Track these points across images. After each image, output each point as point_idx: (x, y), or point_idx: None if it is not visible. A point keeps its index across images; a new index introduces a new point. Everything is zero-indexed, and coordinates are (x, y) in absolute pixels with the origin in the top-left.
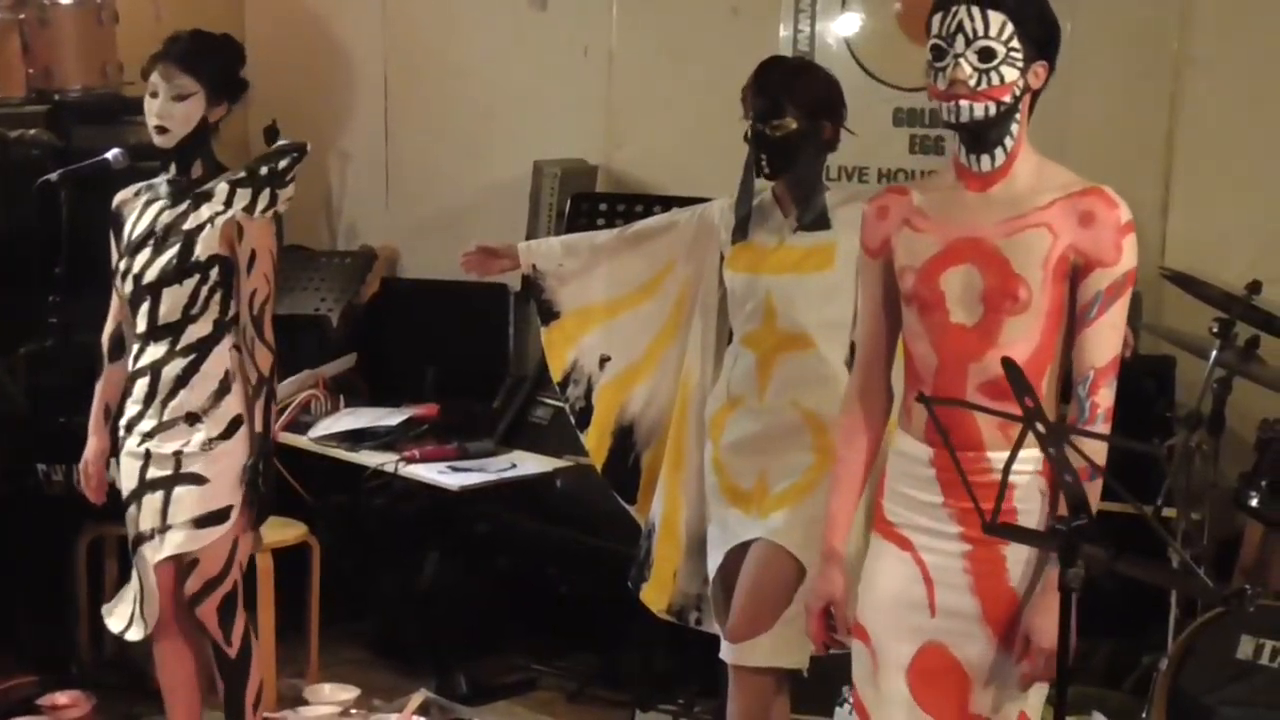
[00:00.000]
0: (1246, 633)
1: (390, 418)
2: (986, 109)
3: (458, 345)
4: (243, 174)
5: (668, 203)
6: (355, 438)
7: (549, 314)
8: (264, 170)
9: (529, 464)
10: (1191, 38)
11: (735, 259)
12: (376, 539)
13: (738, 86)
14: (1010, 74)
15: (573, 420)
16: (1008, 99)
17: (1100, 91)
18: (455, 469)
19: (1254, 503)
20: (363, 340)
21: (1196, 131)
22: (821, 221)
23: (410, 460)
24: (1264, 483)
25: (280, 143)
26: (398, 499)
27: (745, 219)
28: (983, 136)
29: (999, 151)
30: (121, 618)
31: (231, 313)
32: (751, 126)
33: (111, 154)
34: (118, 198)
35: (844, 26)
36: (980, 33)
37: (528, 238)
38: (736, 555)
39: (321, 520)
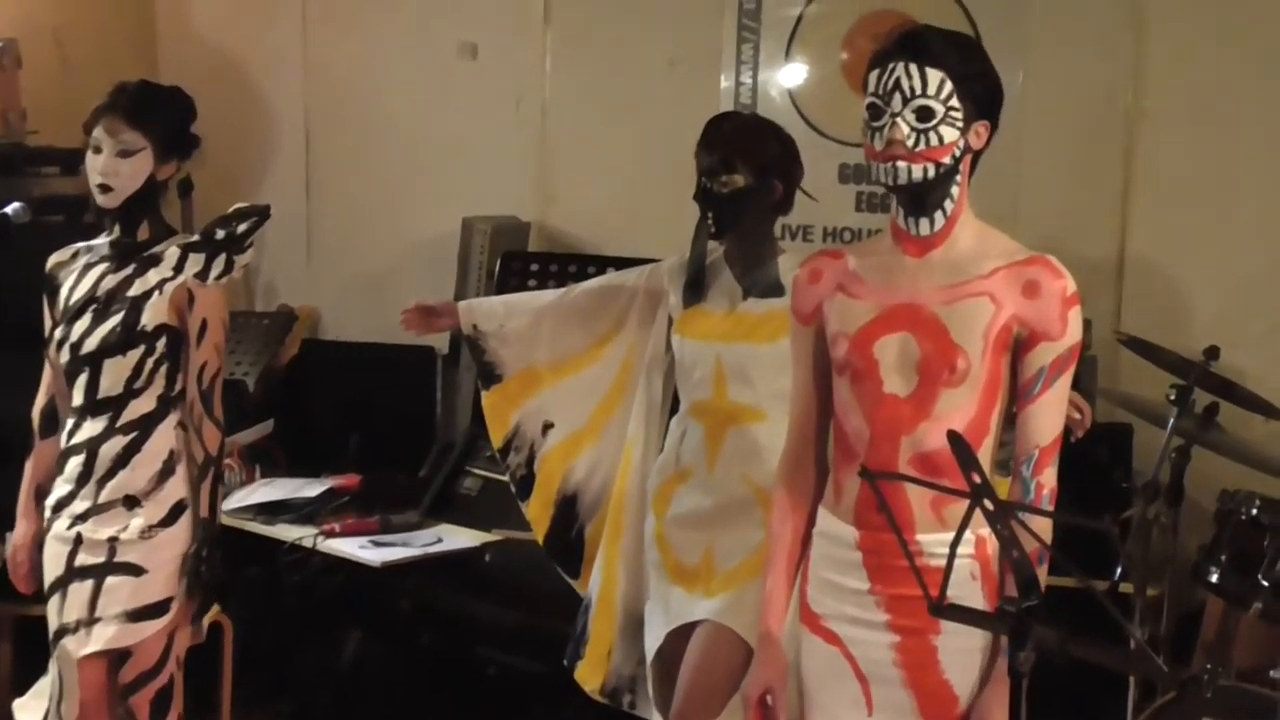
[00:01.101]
0: (1208, 715)
1: (309, 489)
2: (925, 171)
3: (382, 411)
4: (196, 238)
5: (603, 263)
6: (272, 510)
7: (490, 376)
8: (220, 234)
9: (456, 538)
10: (1145, 91)
11: (685, 324)
12: (294, 616)
13: (677, 140)
14: (950, 134)
15: (513, 489)
16: (947, 160)
17: (1051, 149)
18: (377, 543)
19: (1214, 578)
20: (281, 406)
21: (1152, 189)
22: (775, 288)
23: (330, 534)
24: (1224, 556)
25: (238, 205)
26: (317, 575)
27: (696, 281)
28: (921, 199)
29: (938, 215)
30: (34, 713)
31: (178, 387)
32: (699, 183)
33: (12, 208)
34: (52, 259)
35: (787, 78)
36: (918, 91)
37: (456, 298)
38: (678, 637)
39: (236, 597)
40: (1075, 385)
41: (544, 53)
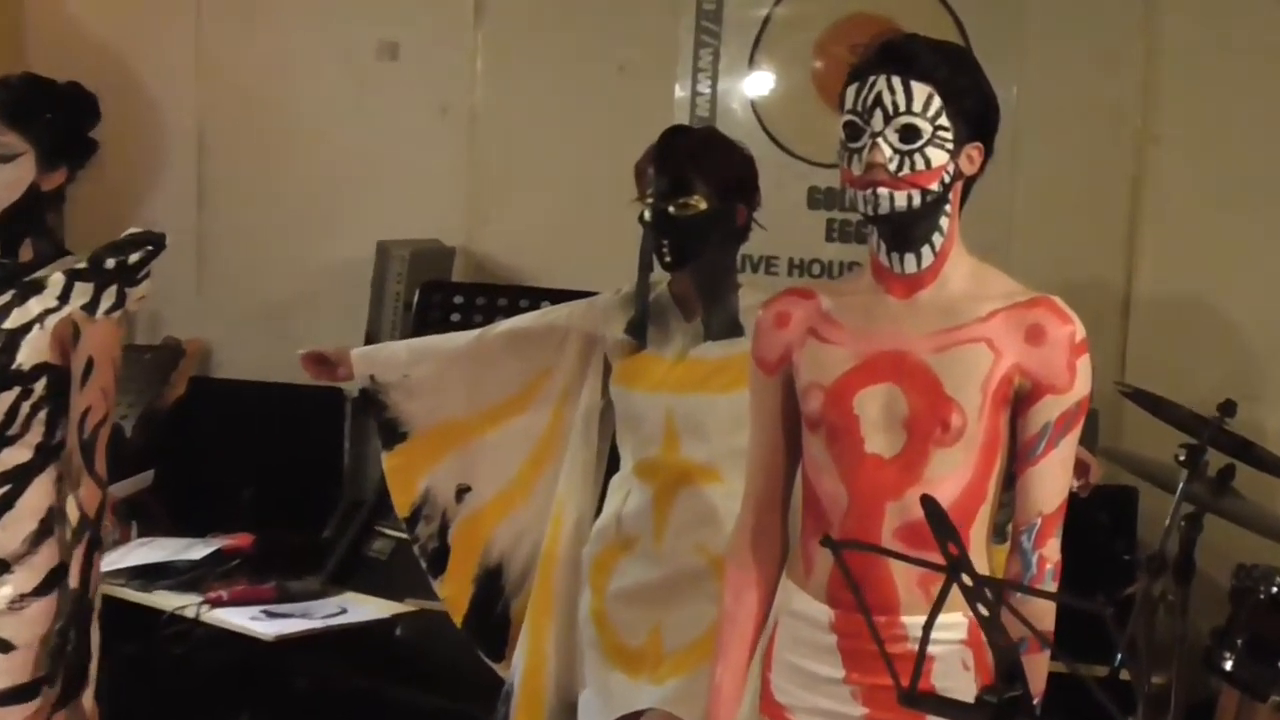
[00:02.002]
0: None
1: (193, 550)
2: (910, 199)
3: (281, 461)
4: (84, 264)
5: (539, 296)
6: (150, 574)
7: (393, 434)
8: (111, 262)
9: (363, 608)
10: (1156, 112)
11: (628, 372)
12: (175, 697)
13: (625, 156)
14: (938, 157)
15: (424, 564)
16: (935, 187)
17: (1049, 175)
18: (272, 614)
19: (1228, 665)
20: (163, 454)
21: (1162, 222)
22: (732, 328)
23: (217, 603)
24: (1240, 641)
25: (132, 230)
26: (201, 649)
27: (640, 322)
28: (906, 232)
29: (926, 250)
30: None
31: (59, 436)
32: (652, 206)
33: None
34: None
35: (751, 87)
36: (902, 107)
37: (369, 331)
38: None
39: (107, 674)
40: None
41: (474, 54)
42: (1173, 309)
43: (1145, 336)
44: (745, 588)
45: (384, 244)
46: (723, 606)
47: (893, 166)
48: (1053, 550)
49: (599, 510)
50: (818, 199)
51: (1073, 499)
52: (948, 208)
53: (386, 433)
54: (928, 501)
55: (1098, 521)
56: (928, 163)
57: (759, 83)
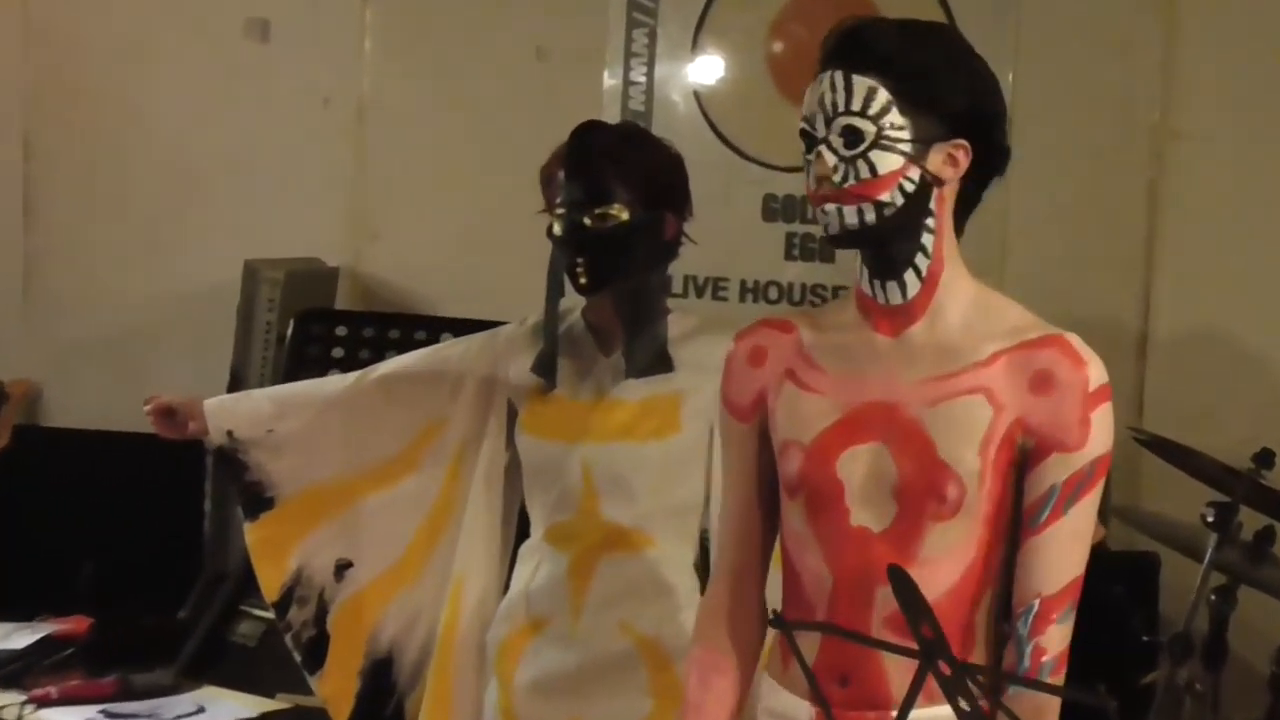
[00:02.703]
0: None
1: (17, 637)
2: (861, 214)
3: (126, 527)
4: None
5: (439, 327)
6: None
7: (257, 502)
8: None
9: (226, 706)
10: (1177, 105)
11: (537, 418)
12: None
13: (544, 158)
14: (887, 162)
15: (298, 657)
16: (886, 197)
17: (1052, 182)
18: (112, 715)
19: None
20: None
21: (1186, 236)
22: (661, 362)
23: (44, 702)
24: None
25: None
26: None
27: (549, 357)
28: (883, 254)
29: (909, 276)
30: None
31: None
32: (562, 218)
33: None
34: None
35: (695, 75)
36: (841, 106)
37: (234, 370)
38: None
39: None
40: None
41: (362, 34)
42: (1199, 341)
43: (1166, 374)
44: (715, 672)
45: (252, 264)
46: (686, 696)
47: (837, 177)
48: (1054, 639)
49: (506, 586)
50: (774, 209)
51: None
52: (930, 222)
53: (249, 499)
54: (895, 573)
55: (1111, 595)
56: (873, 169)
57: (704, 69)
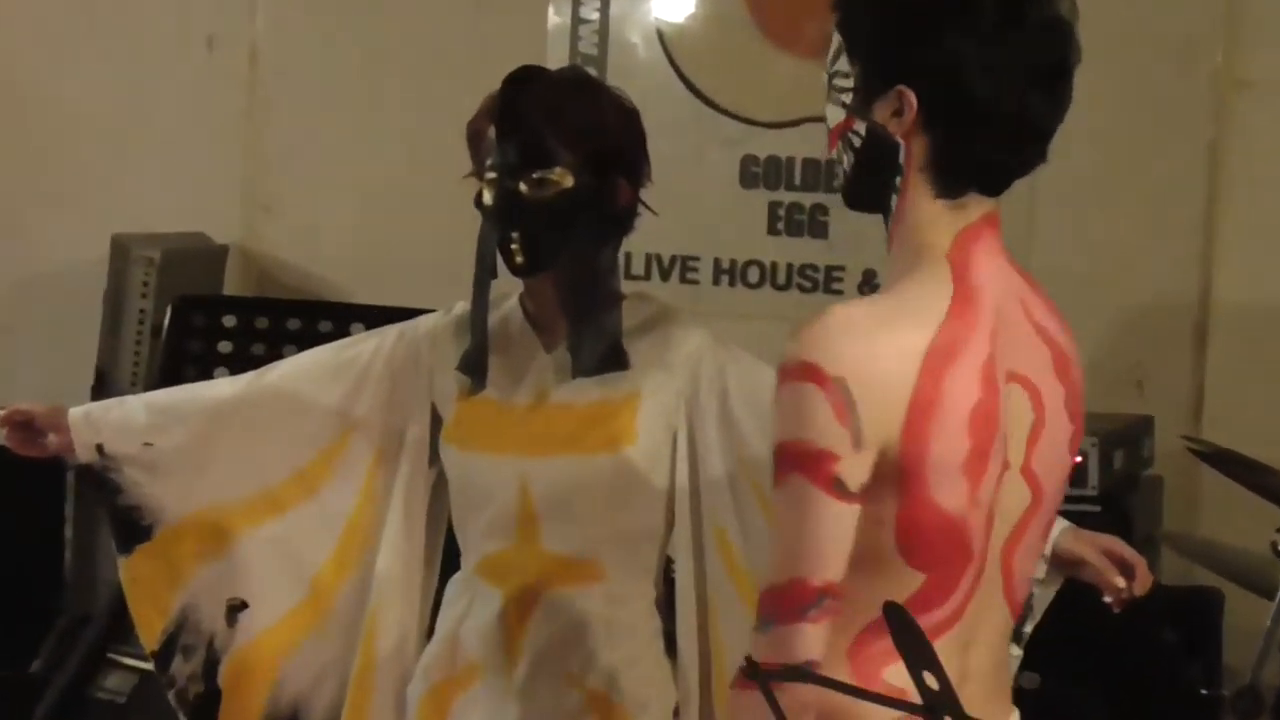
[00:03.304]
0: None
1: None
2: (831, 174)
3: None
4: None
5: (347, 316)
6: None
7: (132, 530)
8: None
9: None
10: (1243, 49)
11: (463, 426)
12: None
13: (464, 116)
14: (832, 115)
15: (183, 718)
16: (834, 154)
17: (1092, 142)
18: None
19: None
20: None
21: (1253, 203)
22: (613, 357)
23: None
24: None
25: None
26: None
27: (479, 353)
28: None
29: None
30: None
31: None
32: (495, 185)
33: None
34: None
35: (660, 11)
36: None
37: (99, 368)
38: None
39: None
40: (1124, 523)
41: None
42: (1270, 330)
43: (1229, 371)
44: None
45: (121, 240)
46: None
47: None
48: (755, 647)
49: (431, 629)
50: (754, 173)
51: (1123, 610)
52: (899, 183)
53: (123, 527)
54: (891, 610)
55: (1163, 640)
56: (828, 124)
57: (670, 4)
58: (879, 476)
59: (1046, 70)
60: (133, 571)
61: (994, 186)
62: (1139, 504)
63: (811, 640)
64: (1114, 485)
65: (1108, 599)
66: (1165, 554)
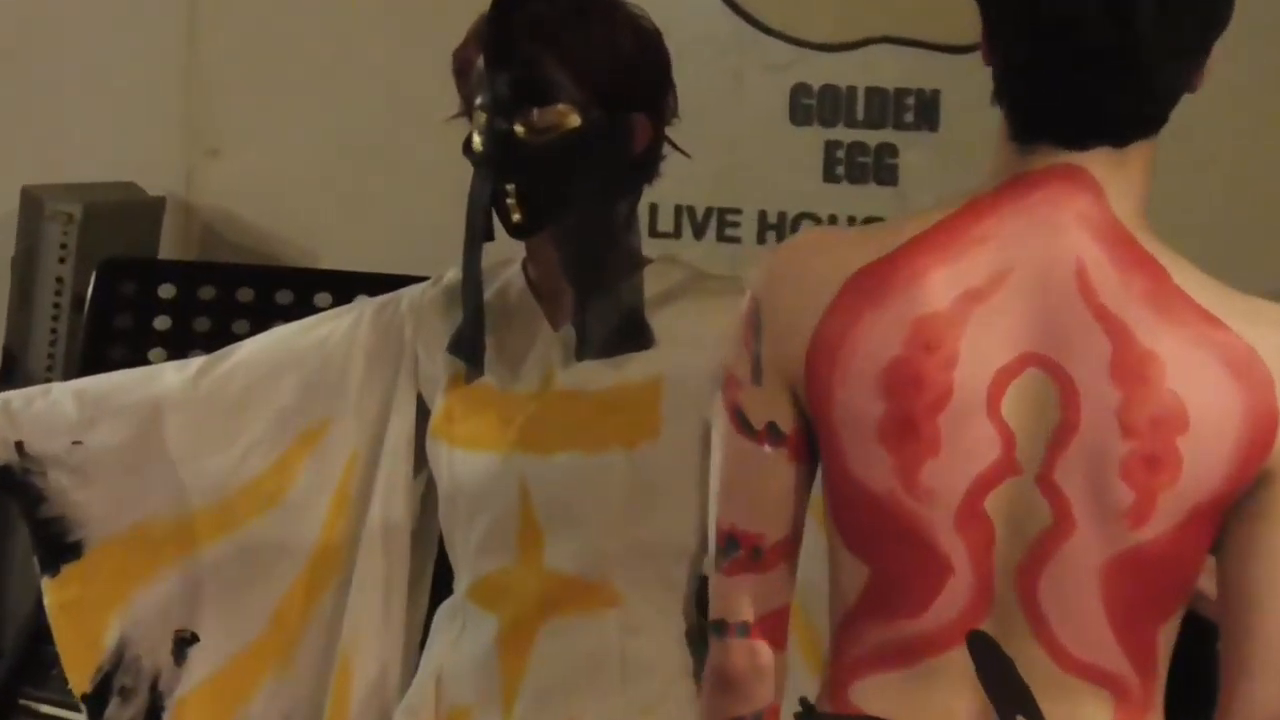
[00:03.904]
0: None
1: None
2: None
3: None
4: None
5: (311, 285)
6: None
7: (58, 549)
8: None
9: None
10: None
11: (454, 419)
12: None
13: (457, 38)
14: None
15: None
16: None
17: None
18: None
19: None
20: None
21: None
22: (631, 335)
23: None
24: None
25: None
26: None
27: (473, 332)
28: None
29: None
30: None
31: None
32: (485, 126)
33: None
34: None
35: None
36: None
37: (7, 348)
38: None
39: None
40: None
41: None
42: None
43: None
44: None
45: (33, 192)
46: None
47: None
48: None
49: (416, 664)
50: (807, 106)
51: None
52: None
53: (47, 544)
54: (975, 639)
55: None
56: None
57: None
58: (809, 429)
59: None
60: (60, 596)
61: (1068, 133)
62: None
63: (728, 597)
64: None
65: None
66: None
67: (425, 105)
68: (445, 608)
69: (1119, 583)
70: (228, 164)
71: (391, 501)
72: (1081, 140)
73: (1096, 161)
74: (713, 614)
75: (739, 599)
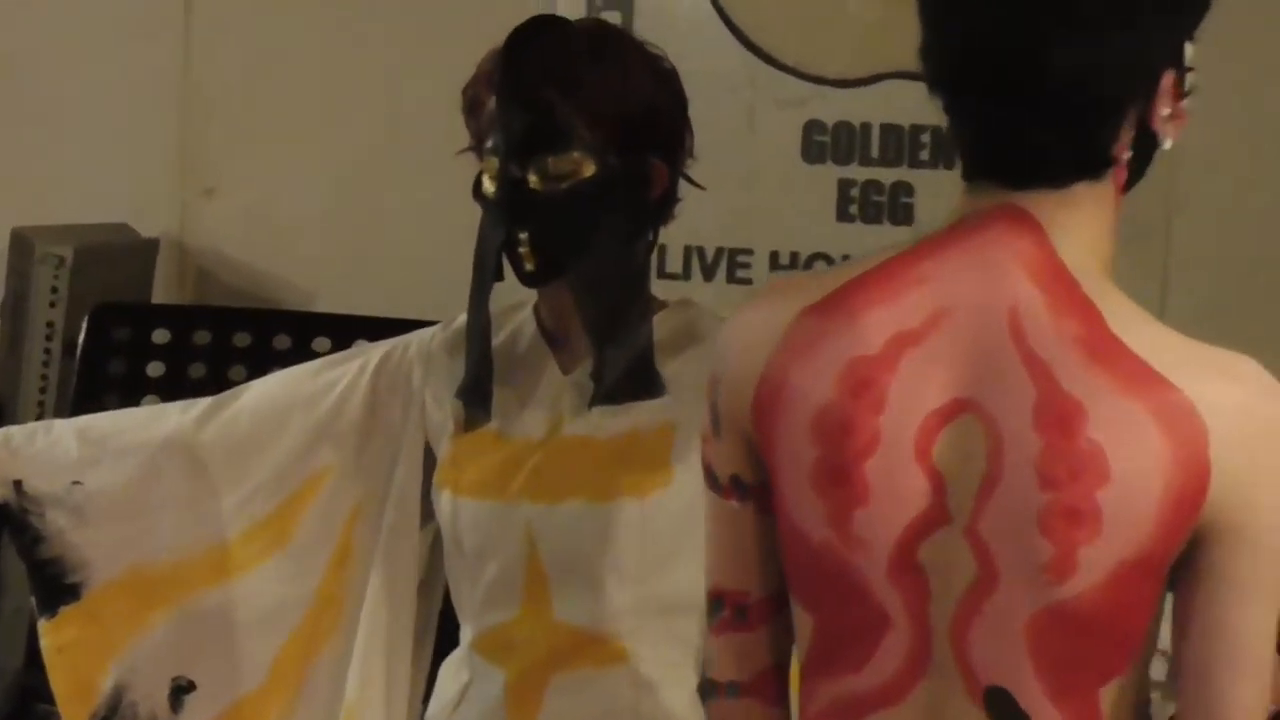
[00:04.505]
0: None
1: None
2: None
3: None
4: None
5: (311, 328)
6: None
7: (56, 591)
8: None
9: None
10: None
11: (461, 467)
12: None
13: (464, 75)
14: None
15: None
16: None
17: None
18: None
19: None
20: None
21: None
22: (641, 382)
23: None
24: None
25: None
26: None
27: (482, 378)
28: None
29: None
30: None
31: None
32: (497, 171)
33: None
34: None
35: None
36: None
37: None
38: None
39: None
40: None
41: None
42: None
43: None
44: None
45: (23, 234)
46: None
47: None
48: None
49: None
50: (820, 144)
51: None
52: None
53: (45, 585)
54: (993, 694)
55: None
56: None
57: None
58: (766, 479)
59: None
60: (56, 639)
61: (1007, 174)
62: None
63: (717, 657)
64: None
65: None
66: None
67: (424, 144)
68: (451, 661)
69: (1047, 639)
70: (223, 204)
71: (397, 553)
72: (1018, 181)
73: (1040, 202)
74: (705, 672)
75: (727, 659)
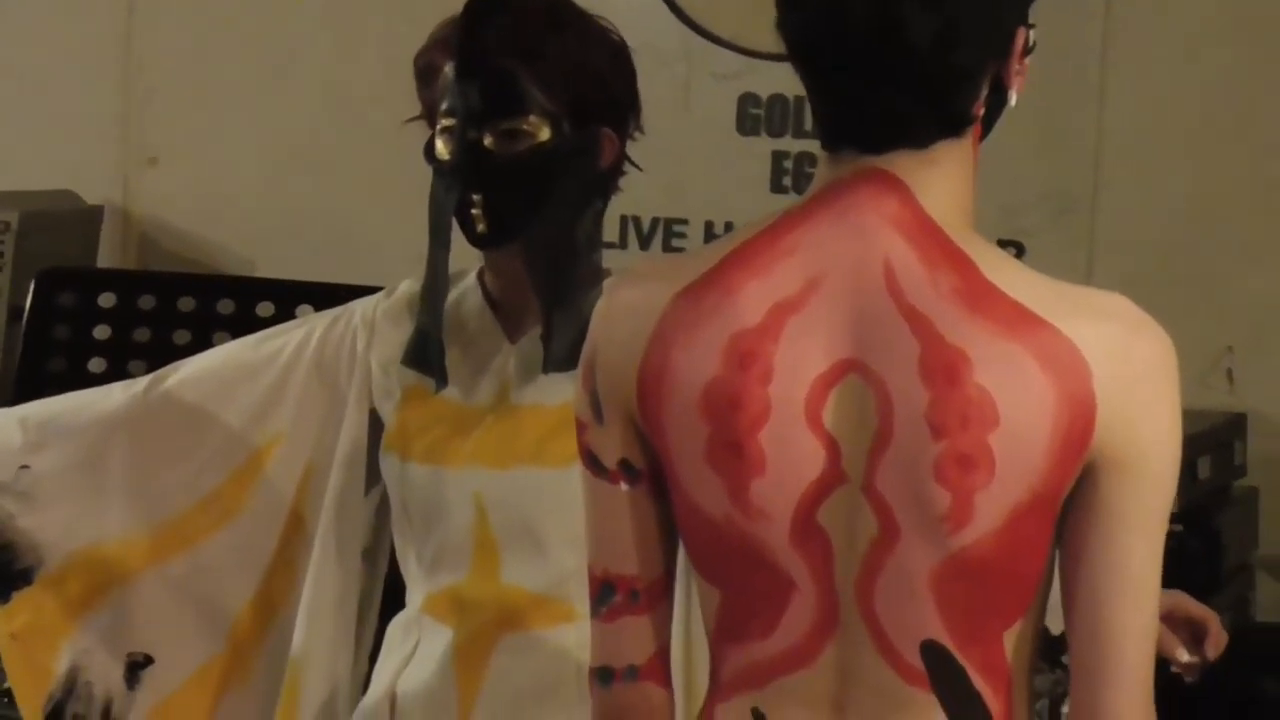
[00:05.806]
0: None
1: None
2: None
3: None
4: None
5: (255, 294)
6: None
7: (8, 576)
8: None
9: None
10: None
11: (408, 433)
12: None
13: (415, 41)
14: None
15: None
16: None
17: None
18: None
19: None
20: None
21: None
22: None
23: None
24: None
25: None
26: None
27: (427, 342)
28: None
29: None
30: None
31: None
32: (452, 135)
33: None
34: None
35: None
36: None
37: None
38: None
39: None
40: (1212, 546)
41: None
42: None
43: None
44: None
45: None
46: None
47: None
48: None
49: (366, 680)
50: (754, 116)
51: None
52: None
53: None
54: (929, 649)
55: (1261, 691)
56: None
57: None
58: (656, 461)
59: None
60: (9, 625)
61: (865, 138)
62: (1230, 522)
63: (611, 642)
64: (1199, 500)
65: (1175, 669)
66: (1262, 583)
67: (365, 113)
68: (398, 622)
69: (950, 590)
70: (166, 172)
71: (343, 517)
72: (879, 145)
73: (901, 163)
74: (595, 661)
75: (622, 643)
